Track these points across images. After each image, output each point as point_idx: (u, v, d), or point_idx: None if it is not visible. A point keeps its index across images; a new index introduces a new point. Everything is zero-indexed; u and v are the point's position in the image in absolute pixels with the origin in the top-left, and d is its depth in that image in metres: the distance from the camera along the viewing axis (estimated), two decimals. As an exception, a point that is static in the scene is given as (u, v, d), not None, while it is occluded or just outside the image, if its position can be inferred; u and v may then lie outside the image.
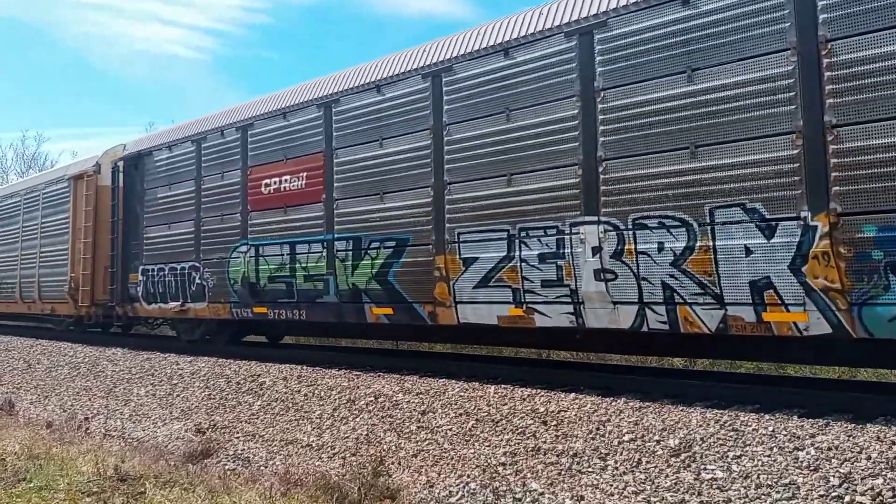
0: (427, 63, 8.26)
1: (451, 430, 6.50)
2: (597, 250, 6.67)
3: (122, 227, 13.10)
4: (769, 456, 4.89)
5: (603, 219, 6.65)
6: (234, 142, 10.77)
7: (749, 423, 5.38)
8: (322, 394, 8.14)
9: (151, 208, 12.37)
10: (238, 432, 7.67)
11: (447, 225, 7.93)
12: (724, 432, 5.32)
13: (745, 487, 4.62)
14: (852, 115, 5.34)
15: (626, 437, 5.61)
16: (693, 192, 6.12)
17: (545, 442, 5.84)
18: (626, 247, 6.50)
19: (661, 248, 6.29)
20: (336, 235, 9.20)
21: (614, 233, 6.58)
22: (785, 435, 5.10)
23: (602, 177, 6.67)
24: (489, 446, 6.02)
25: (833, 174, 5.42)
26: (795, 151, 5.61)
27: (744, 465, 4.85)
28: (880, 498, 4.23)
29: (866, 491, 4.30)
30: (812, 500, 4.36)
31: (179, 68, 70.97)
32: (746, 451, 5.01)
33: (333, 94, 9.36)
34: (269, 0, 74.76)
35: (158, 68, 69.97)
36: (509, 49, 7.48)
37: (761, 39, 5.82)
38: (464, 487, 5.42)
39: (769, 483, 4.60)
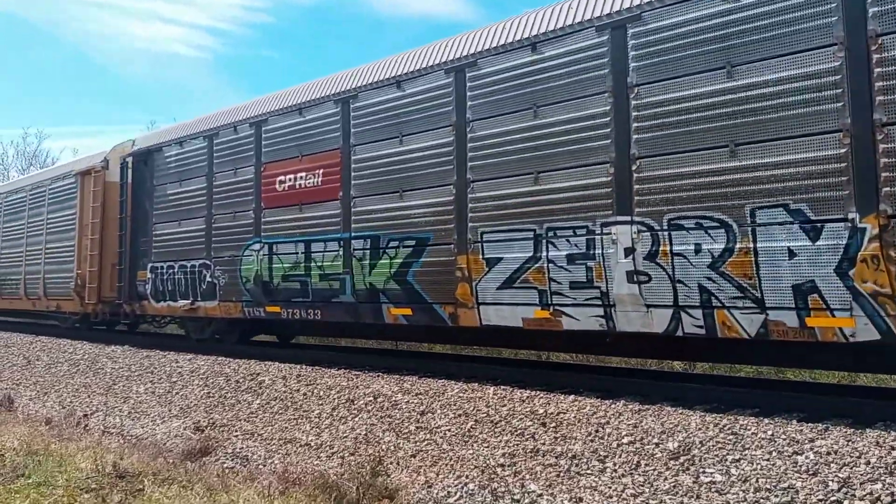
0: (450, 58, 8.05)
1: (449, 430, 6.47)
2: (629, 251, 6.46)
3: (131, 223, 12.89)
4: (768, 460, 4.87)
5: (636, 219, 6.44)
6: (248, 138, 10.55)
7: (748, 427, 5.35)
8: (321, 393, 8.11)
9: (161, 205, 12.15)
10: (237, 431, 7.65)
11: (470, 224, 7.71)
12: (723, 436, 5.30)
13: (743, 491, 4.61)
14: (905, 112, 5.13)
15: (625, 440, 5.58)
16: (733, 192, 5.90)
17: (544, 444, 5.81)
18: (661, 248, 6.28)
19: (698, 250, 6.07)
20: (353, 234, 8.99)
21: (648, 233, 6.36)
22: (784, 439, 5.08)
23: (635, 175, 6.45)
24: (488, 447, 5.99)
25: (883, 174, 5.21)
26: (843, 150, 5.39)
27: (743, 469, 4.83)
28: (879, 503, 4.21)
29: (865, 496, 4.30)
30: (810, 504, 4.34)
31: (180, 67, 70.85)
32: (745, 455, 4.98)
33: (351, 89, 9.14)
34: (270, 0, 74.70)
35: (159, 67, 69.86)
36: (537, 44, 7.26)
37: (806, 34, 5.60)
38: (462, 488, 5.41)
39: (768, 487, 4.58)
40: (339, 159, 9.22)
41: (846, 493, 4.35)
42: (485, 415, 6.59)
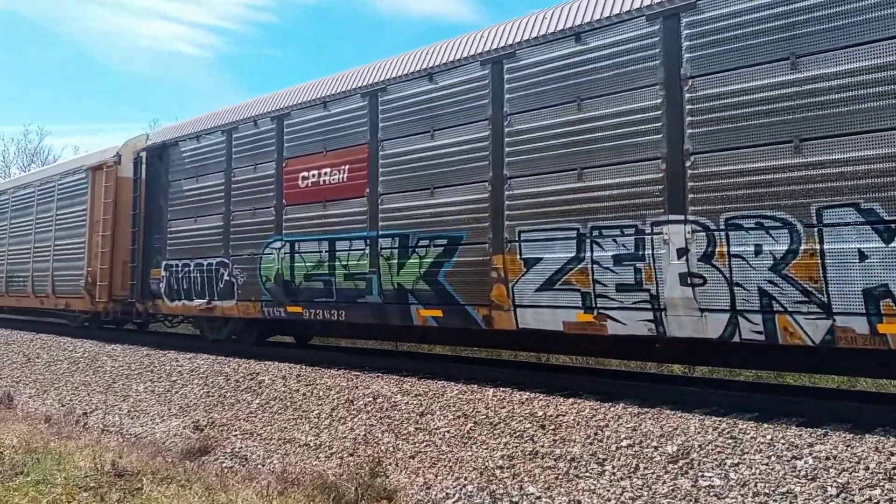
0: (487, 49, 7.72)
1: (448, 432, 6.45)
2: (683, 252, 6.12)
3: (144, 220, 12.57)
4: (767, 464, 4.84)
5: (690, 218, 6.10)
6: (269, 132, 10.22)
7: (747, 431, 5.32)
8: (321, 393, 8.06)
9: (176, 201, 11.82)
10: (236, 430, 7.61)
11: (506, 222, 7.38)
12: (722, 440, 5.27)
13: (742, 495, 4.59)
14: None
15: (623, 443, 5.55)
16: (797, 191, 5.56)
17: (543, 446, 5.78)
18: (718, 249, 5.94)
19: (758, 251, 5.73)
20: (381, 232, 8.65)
21: (703, 233, 6.02)
22: (783, 443, 5.05)
23: (689, 172, 6.12)
24: (487, 449, 5.97)
25: (967, 172, 4.88)
26: (922, 146, 5.06)
27: (741, 473, 4.81)
28: (878, 509, 4.17)
29: (864, 501, 4.28)
30: (809, 509, 4.29)
31: (182, 65, 70.61)
32: (744, 459, 4.96)
33: (380, 82, 8.81)
34: (275, -2, 74.56)
35: (160, 65, 69.60)
36: (581, 34, 6.93)
37: (877, 24, 5.27)
38: (461, 490, 5.40)
39: (767, 491, 4.56)
40: (365, 155, 8.89)
41: (845, 499, 4.33)
42: (484, 416, 6.54)
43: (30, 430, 7.57)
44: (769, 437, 5.19)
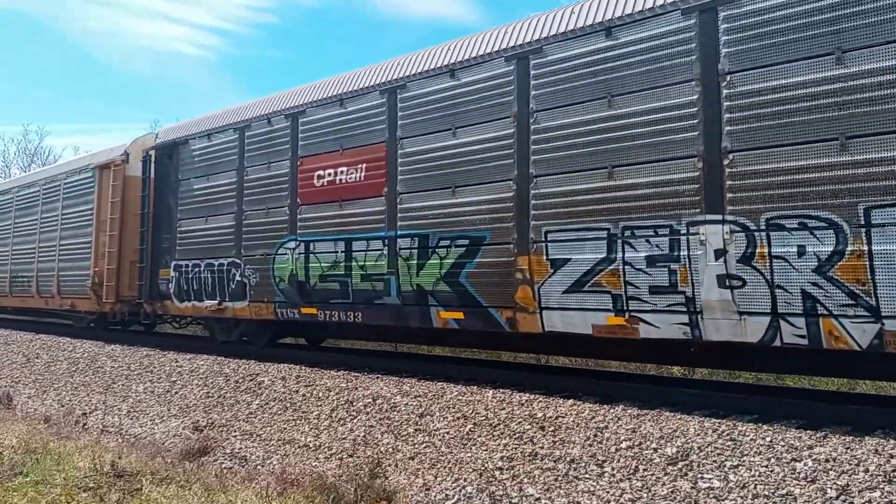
0: (512, 45, 7.52)
1: (448, 433, 6.43)
2: (721, 253, 5.92)
3: (153, 219, 12.36)
4: (766, 466, 4.83)
5: (728, 218, 5.90)
6: (283, 130, 10.02)
7: (747, 433, 5.30)
8: (320, 394, 8.03)
9: (186, 200, 11.61)
10: (235, 431, 7.60)
11: (532, 222, 7.18)
12: (721, 442, 5.25)
13: (742, 497, 4.58)
14: None
15: (623, 445, 5.54)
16: (843, 190, 5.36)
17: (542, 447, 5.78)
18: (758, 250, 5.74)
19: (801, 253, 5.53)
20: (399, 232, 8.45)
21: (743, 234, 5.82)
22: (783, 446, 5.03)
23: (728, 171, 5.92)
24: (486, 450, 5.95)
25: None
26: (977, 143, 4.86)
27: (741, 475, 4.80)
28: (878, 511, 4.14)
29: None
30: (809, 511, 4.27)
31: (182, 66, 70.45)
32: (744, 461, 4.95)
33: (399, 79, 8.61)
34: (276, 0, 74.44)
35: (161, 65, 69.45)
36: (612, 28, 6.74)
37: (930, 16, 5.08)
38: (460, 491, 5.38)
39: (766, 494, 4.55)
40: (384, 153, 8.69)
41: (844, 501, 4.33)
42: (483, 418, 6.51)
43: (29, 431, 7.53)
44: (769, 439, 5.17)
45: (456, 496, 5.35)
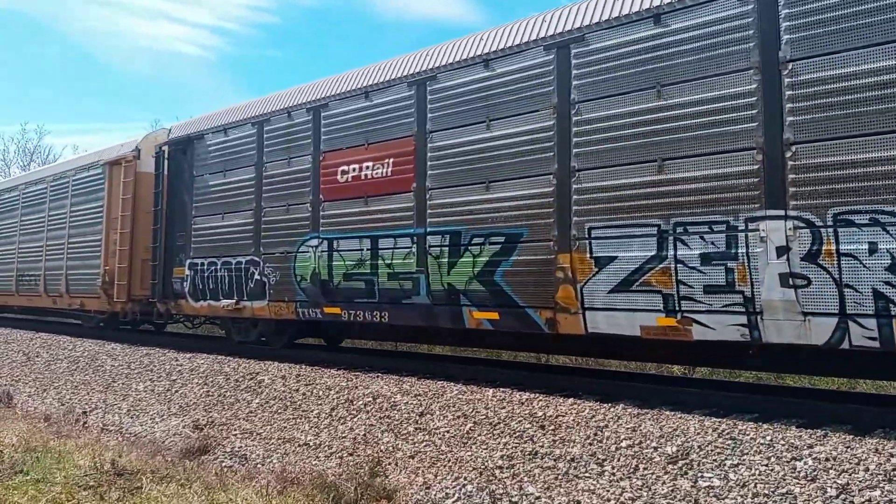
0: (551, 34, 7.20)
1: (448, 432, 6.42)
2: (783, 251, 5.60)
3: (166, 216, 12.02)
4: (767, 465, 4.83)
5: (791, 213, 5.58)
6: (305, 124, 9.69)
7: (747, 432, 5.29)
8: (320, 393, 8.00)
9: (202, 197, 11.28)
10: (235, 429, 7.58)
11: (574, 218, 6.86)
12: (721, 440, 5.25)
13: (741, 496, 4.58)
14: None
15: (623, 444, 5.54)
16: (920, 183, 5.05)
17: (542, 446, 5.78)
18: (824, 247, 5.42)
19: (873, 250, 5.21)
20: (429, 229, 8.13)
21: (807, 230, 5.50)
22: (783, 445, 5.03)
23: (790, 164, 5.60)
24: (486, 449, 5.95)
25: None
26: None
27: (741, 474, 4.81)
28: (878, 510, 4.12)
29: (863, 503, 4.26)
30: (810, 510, 4.27)
31: (182, 66, 70.11)
32: (744, 460, 4.96)
33: (429, 70, 8.29)
34: (276, 0, 74.16)
35: (161, 65, 69.10)
36: (661, 15, 6.41)
37: None
38: (460, 490, 5.39)
39: (766, 492, 4.55)
40: (412, 147, 8.37)
41: (845, 500, 4.32)
42: (483, 417, 6.51)
43: (29, 429, 7.52)
44: (769, 438, 5.15)
45: (456, 495, 5.34)
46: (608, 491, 4.99)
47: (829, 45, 5.47)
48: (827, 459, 4.77)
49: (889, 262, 5.14)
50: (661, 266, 6.26)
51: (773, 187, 5.68)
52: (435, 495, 5.41)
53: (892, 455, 4.68)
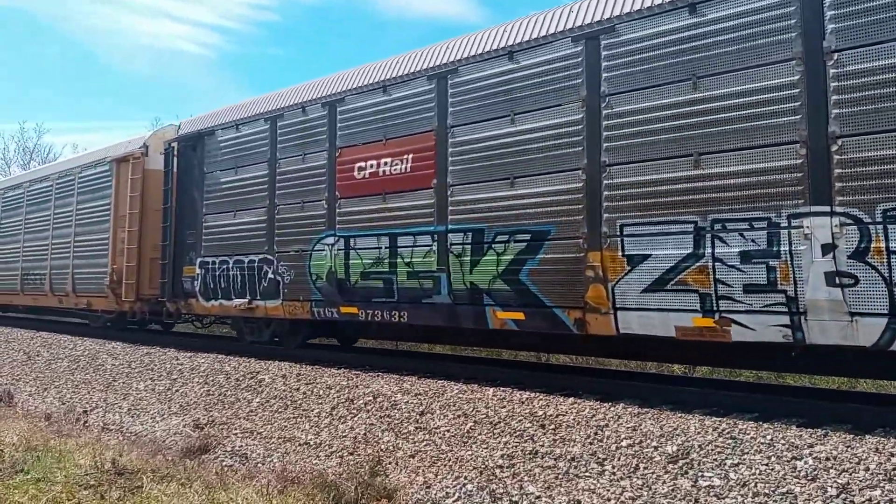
0: (579, 24, 6.98)
1: (448, 431, 6.41)
2: (829, 248, 5.38)
3: (176, 214, 11.80)
4: (767, 465, 4.82)
5: (838, 209, 5.36)
6: (320, 119, 9.47)
7: (747, 432, 5.28)
8: (321, 392, 7.99)
9: (213, 194, 11.06)
10: (236, 429, 7.58)
11: (605, 215, 6.64)
12: (722, 440, 5.24)
13: (742, 496, 4.57)
14: None
15: (623, 443, 5.53)
16: (978, 177, 4.83)
17: (543, 445, 5.77)
18: (873, 245, 5.20)
19: (926, 247, 5.00)
20: (450, 226, 7.91)
21: (855, 227, 5.29)
22: (783, 444, 5.02)
23: (836, 158, 5.38)
24: (487, 448, 5.95)
25: None
26: None
27: (741, 474, 4.80)
28: (879, 509, 4.10)
29: (864, 502, 4.26)
30: (810, 510, 4.26)
31: (183, 64, 69.82)
32: (744, 460, 4.95)
33: (450, 63, 8.07)
34: (278, -2, 74.02)
35: (161, 64, 68.80)
36: (697, 5, 6.19)
37: None
38: (461, 489, 5.38)
39: (766, 492, 4.54)
40: (432, 142, 8.15)
41: (845, 500, 4.31)
42: (484, 416, 6.51)
43: (30, 428, 7.52)
44: (769, 437, 5.14)
45: (456, 494, 5.33)
46: (608, 490, 4.98)
47: (877, 35, 5.25)
48: (827, 459, 4.74)
49: (944, 260, 4.93)
50: (697, 264, 6.04)
51: (818, 182, 5.46)
52: (435, 494, 5.40)
53: (892, 454, 4.65)
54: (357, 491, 5.26)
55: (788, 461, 4.81)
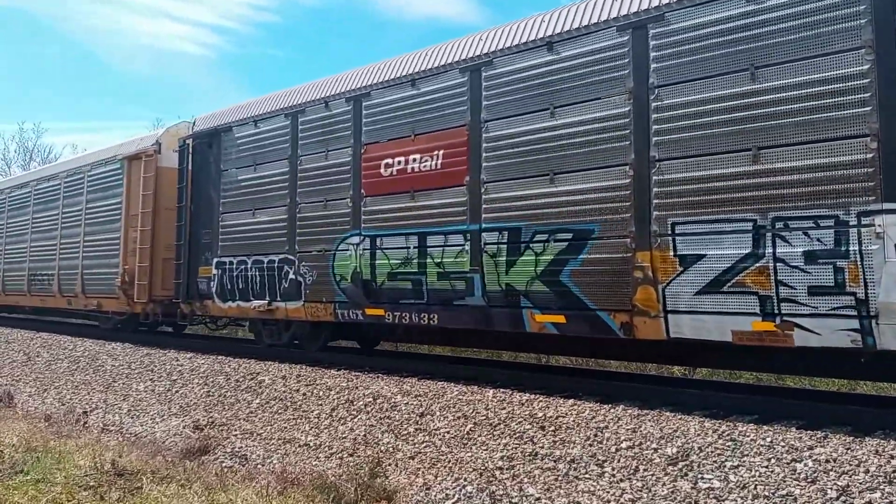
0: (624, 13, 6.66)
1: (448, 432, 6.41)
2: (905, 248, 5.06)
3: (191, 213, 11.48)
4: (767, 467, 4.82)
5: (914, 206, 5.05)
6: (344, 115, 9.15)
7: (747, 434, 5.27)
8: (321, 393, 7.98)
9: (230, 192, 10.74)
10: (236, 430, 7.58)
11: (655, 213, 6.32)
12: (721, 442, 5.24)
13: (742, 498, 4.58)
14: None
15: (623, 445, 5.53)
16: None
17: (543, 447, 5.78)
18: (955, 244, 4.89)
19: None
20: (484, 225, 7.59)
21: (934, 225, 4.97)
22: (783, 446, 5.01)
23: (913, 151, 5.06)
24: (486, 450, 5.95)
25: None
26: None
27: (741, 476, 4.79)
28: (879, 512, 4.10)
29: None
30: (810, 512, 4.26)
31: (183, 65, 69.61)
32: (744, 462, 4.94)
33: (483, 55, 7.75)
34: (278, -2, 73.77)
35: (161, 64, 68.59)
36: (756, -10, 5.87)
37: None
38: (460, 491, 5.38)
39: (766, 494, 4.53)
40: (465, 138, 7.83)
41: (845, 502, 4.31)
42: (484, 417, 6.50)
43: (30, 429, 7.53)
44: (769, 439, 5.13)
45: (456, 496, 5.33)
46: (608, 492, 4.97)
47: (959, 20, 4.93)
48: (827, 461, 4.73)
49: None
50: (757, 265, 5.72)
51: (891, 178, 5.14)
52: (435, 496, 5.39)
53: (892, 457, 4.63)
54: (357, 492, 5.27)
55: (788, 463, 4.80)
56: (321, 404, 7.70)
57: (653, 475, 5.05)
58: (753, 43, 5.85)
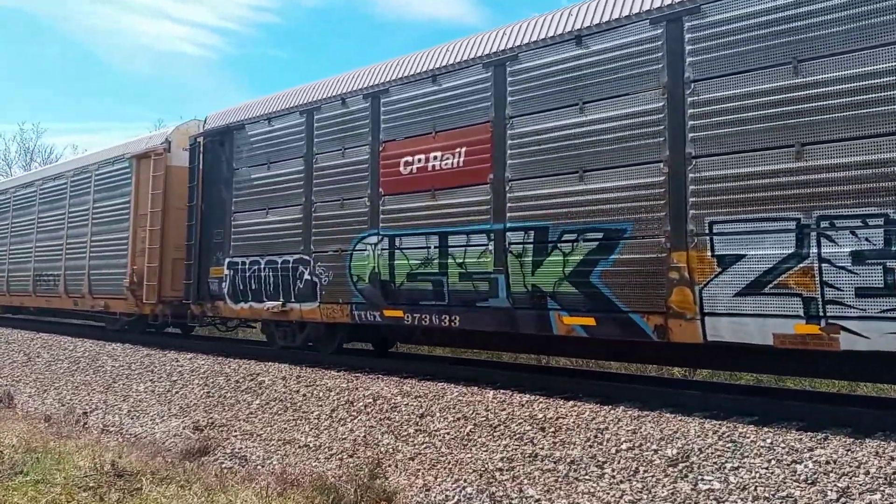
0: (658, 5, 6.45)
1: (448, 433, 6.40)
2: (962, 248, 4.85)
3: (202, 212, 11.27)
4: (767, 468, 4.82)
5: (972, 204, 4.83)
6: (362, 112, 8.94)
7: (747, 435, 5.26)
8: (321, 394, 7.97)
9: (243, 191, 10.52)
10: (236, 431, 7.58)
11: (692, 211, 6.11)
12: (722, 443, 5.23)
13: (742, 499, 4.57)
14: None
15: (623, 446, 5.52)
16: None
17: (543, 448, 5.78)
18: None
19: None
20: (509, 224, 7.38)
21: None
22: (783, 448, 5.00)
23: (970, 147, 4.85)
24: (486, 451, 5.95)
25: None
26: None
27: (741, 477, 4.78)
28: (880, 514, 4.09)
29: None
30: (811, 514, 4.25)
31: (183, 65, 69.50)
32: (744, 463, 4.93)
33: (508, 49, 7.55)
34: (278, 0, 73.65)
35: (161, 65, 68.49)
36: (797, -19, 5.66)
37: None
38: (460, 492, 5.37)
39: (766, 496, 4.53)
40: (488, 134, 7.62)
41: (845, 503, 4.29)
42: (484, 418, 6.50)
43: (29, 430, 7.54)
44: (769, 440, 5.13)
45: (456, 497, 5.33)
46: (608, 493, 4.97)
47: None
48: (827, 463, 4.72)
49: None
50: (800, 266, 5.50)
51: (947, 175, 4.93)
52: (435, 497, 5.38)
53: (892, 458, 4.61)
54: (357, 493, 5.27)
55: (788, 465, 4.78)
56: (321, 405, 7.66)
57: (653, 476, 5.04)
58: (796, 35, 5.64)
